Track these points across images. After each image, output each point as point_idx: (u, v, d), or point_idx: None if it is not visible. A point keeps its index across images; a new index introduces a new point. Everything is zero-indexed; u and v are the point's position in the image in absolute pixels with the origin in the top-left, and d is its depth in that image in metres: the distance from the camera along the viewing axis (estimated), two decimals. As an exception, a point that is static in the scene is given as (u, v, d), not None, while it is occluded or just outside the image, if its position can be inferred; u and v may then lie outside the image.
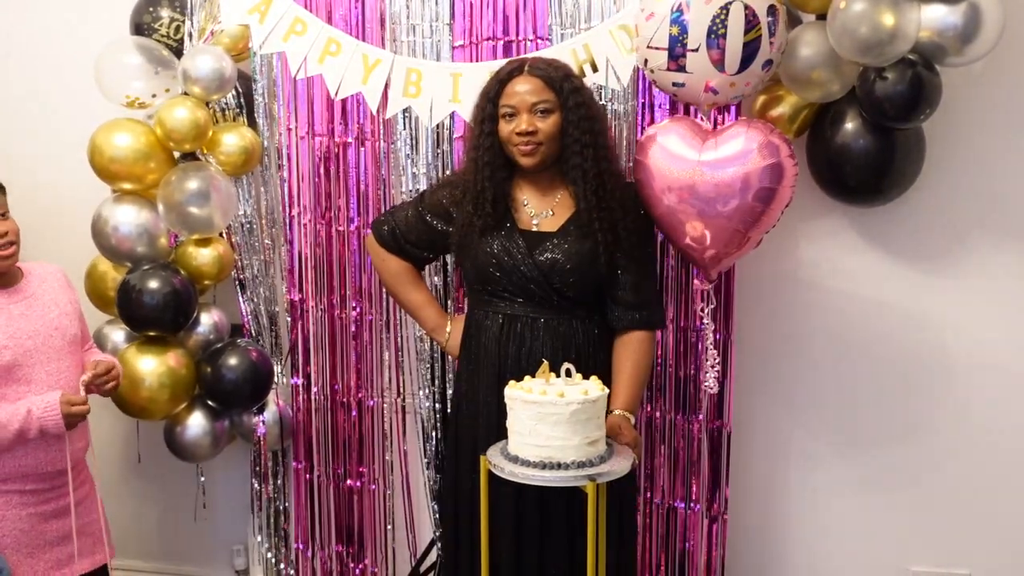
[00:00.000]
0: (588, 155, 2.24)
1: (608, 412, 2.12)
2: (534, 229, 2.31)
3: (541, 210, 2.33)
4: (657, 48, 2.29)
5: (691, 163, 2.27)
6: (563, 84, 2.24)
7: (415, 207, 2.46)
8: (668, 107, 2.65)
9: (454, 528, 2.44)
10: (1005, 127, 2.68)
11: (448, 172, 2.77)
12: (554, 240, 2.28)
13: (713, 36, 2.22)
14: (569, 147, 2.24)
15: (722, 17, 2.20)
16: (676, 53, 2.26)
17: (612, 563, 2.25)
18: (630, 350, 2.32)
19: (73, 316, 2.49)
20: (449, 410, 2.50)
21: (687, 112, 2.57)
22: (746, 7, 2.21)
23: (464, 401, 2.40)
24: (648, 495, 2.84)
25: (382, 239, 2.49)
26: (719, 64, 2.24)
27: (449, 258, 2.79)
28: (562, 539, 2.28)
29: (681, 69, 2.28)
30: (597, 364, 2.26)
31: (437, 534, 2.91)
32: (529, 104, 2.23)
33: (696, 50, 2.24)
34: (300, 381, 3.01)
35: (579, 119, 2.23)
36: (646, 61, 2.36)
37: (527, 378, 2.02)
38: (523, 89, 2.24)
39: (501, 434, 2.24)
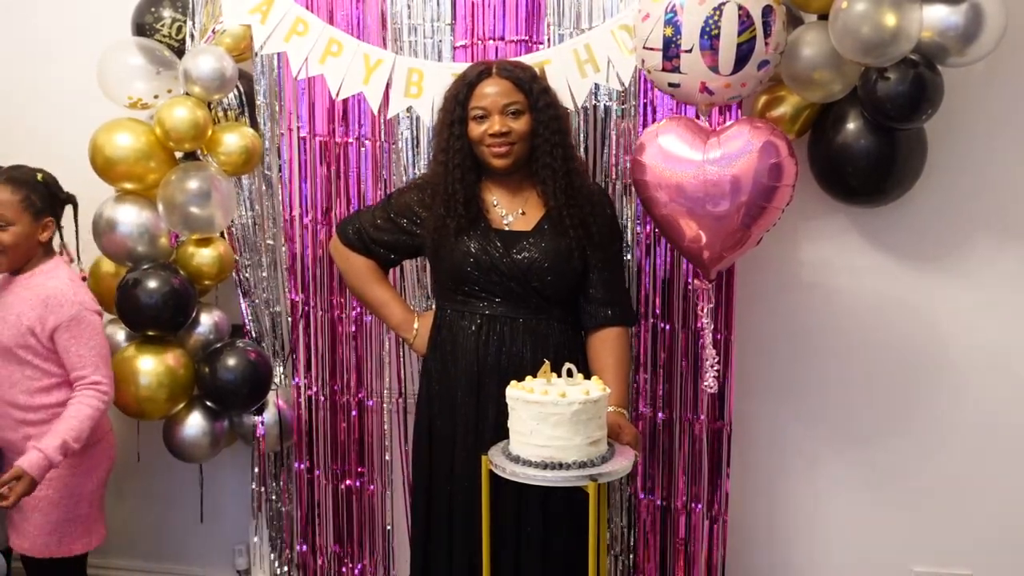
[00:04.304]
0: (558, 154, 2.27)
1: None
2: (507, 229, 2.32)
3: (512, 211, 2.34)
4: (652, 49, 2.28)
5: (696, 163, 2.27)
6: (532, 85, 2.28)
7: (383, 209, 2.46)
8: (673, 107, 2.64)
9: (424, 528, 2.42)
10: (1007, 127, 2.68)
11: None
12: (530, 239, 2.30)
13: (706, 37, 2.21)
14: (540, 147, 2.28)
15: (715, 18, 2.19)
16: (671, 54, 2.26)
17: (573, 555, 2.22)
18: (609, 347, 2.34)
19: (16, 329, 2.48)
20: (416, 407, 2.48)
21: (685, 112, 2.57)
22: (740, 8, 2.19)
23: (436, 400, 2.38)
24: (648, 495, 2.83)
25: (348, 241, 2.50)
26: (713, 65, 2.23)
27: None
28: (538, 540, 2.28)
29: (676, 70, 2.27)
30: (574, 364, 2.27)
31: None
32: (500, 105, 2.25)
33: (690, 51, 2.22)
34: (300, 381, 3.01)
35: (548, 119, 2.27)
36: (643, 61, 2.36)
37: (528, 378, 2.02)
38: (493, 91, 2.26)
39: (479, 435, 2.24)
